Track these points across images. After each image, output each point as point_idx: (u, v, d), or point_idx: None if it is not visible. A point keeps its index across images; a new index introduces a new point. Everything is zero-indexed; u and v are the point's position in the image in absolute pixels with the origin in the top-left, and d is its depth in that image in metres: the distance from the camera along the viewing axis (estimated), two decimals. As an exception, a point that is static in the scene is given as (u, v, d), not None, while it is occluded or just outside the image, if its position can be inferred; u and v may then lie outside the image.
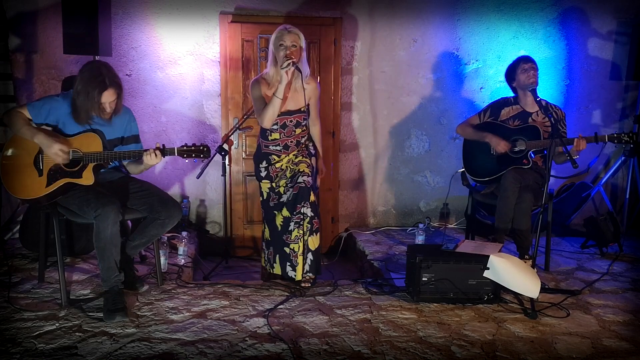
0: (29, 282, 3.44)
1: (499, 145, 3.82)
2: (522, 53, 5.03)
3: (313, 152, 3.67)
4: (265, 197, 3.64)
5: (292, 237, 3.48)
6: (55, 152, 3.01)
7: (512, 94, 4.08)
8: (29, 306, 3.08)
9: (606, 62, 5.17)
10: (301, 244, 3.48)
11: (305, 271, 3.51)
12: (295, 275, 3.50)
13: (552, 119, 3.72)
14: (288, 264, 3.51)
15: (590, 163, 5.21)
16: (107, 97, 3.07)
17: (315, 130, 3.71)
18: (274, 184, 3.59)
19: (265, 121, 3.43)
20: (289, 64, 3.28)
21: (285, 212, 3.51)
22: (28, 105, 3.11)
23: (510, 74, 4.00)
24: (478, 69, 5.06)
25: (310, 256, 3.50)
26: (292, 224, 3.48)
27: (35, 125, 3.09)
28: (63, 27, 4.06)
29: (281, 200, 3.54)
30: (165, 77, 4.74)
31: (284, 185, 3.56)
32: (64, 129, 3.13)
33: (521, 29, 5.02)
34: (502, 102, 4.03)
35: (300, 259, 3.49)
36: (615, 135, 3.71)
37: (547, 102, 3.98)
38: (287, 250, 3.50)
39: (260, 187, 3.67)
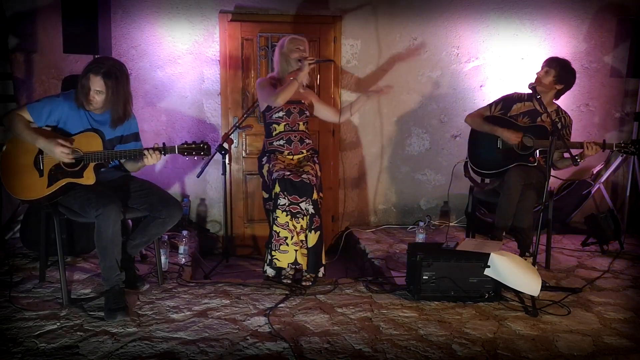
0: (30, 281, 3.44)
1: (511, 138, 3.80)
2: (523, 51, 5.03)
3: (317, 161, 3.77)
4: (267, 183, 3.65)
5: (281, 221, 3.43)
6: (59, 154, 2.99)
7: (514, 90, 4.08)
8: (30, 306, 3.08)
9: (606, 59, 5.17)
10: (295, 235, 3.45)
11: (299, 264, 3.50)
12: (277, 261, 3.46)
13: (554, 120, 3.70)
14: (268, 249, 3.49)
15: (594, 170, 5.23)
16: (95, 84, 3.01)
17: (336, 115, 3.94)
18: (270, 165, 3.62)
19: (279, 99, 3.56)
20: (313, 59, 3.67)
21: (277, 189, 3.46)
22: (28, 107, 3.09)
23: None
24: (478, 67, 5.06)
25: (307, 253, 3.50)
26: (281, 200, 3.41)
27: (37, 126, 3.08)
28: (63, 26, 4.05)
29: (272, 177, 3.52)
30: (165, 76, 4.73)
31: (279, 167, 3.56)
32: (64, 129, 3.12)
33: (521, 27, 5.01)
34: (516, 97, 3.99)
35: (290, 248, 3.45)
36: (622, 144, 3.73)
37: (558, 106, 3.97)
38: (276, 229, 3.45)
39: (263, 178, 3.70)
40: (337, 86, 4.92)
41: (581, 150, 3.68)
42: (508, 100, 3.99)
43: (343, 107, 3.92)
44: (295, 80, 3.60)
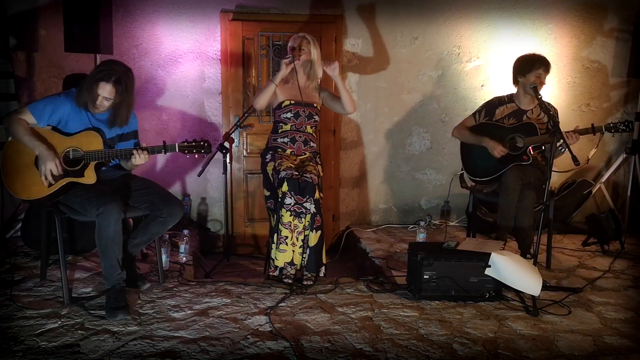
0: (31, 280, 3.44)
1: (496, 150, 3.81)
2: (524, 51, 4.99)
3: (320, 162, 3.78)
4: (272, 182, 3.64)
5: (285, 220, 3.45)
6: (47, 170, 2.98)
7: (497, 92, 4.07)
8: (31, 304, 3.09)
9: (608, 59, 5.17)
10: (295, 236, 3.46)
11: (294, 265, 3.50)
12: (275, 259, 3.49)
13: (550, 113, 3.69)
14: (273, 244, 3.51)
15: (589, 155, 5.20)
16: (104, 92, 3.03)
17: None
18: (276, 163, 3.61)
19: (256, 102, 3.65)
20: (288, 58, 3.60)
21: (285, 188, 3.46)
22: (30, 107, 3.08)
23: (522, 70, 3.87)
24: (479, 66, 5.06)
25: (308, 252, 3.50)
26: (287, 199, 3.42)
27: (38, 127, 3.07)
28: (64, 25, 4.05)
29: (280, 175, 3.52)
30: (166, 75, 4.74)
31: (286, 166, 3.56)
32: (64, 128, 3.12)
33: (523, 26, 5.01)
34: (496, 102, 4.00)
35: (289, 248, 3.47)
36: (611, 125, 3.73)
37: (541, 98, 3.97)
38: (280, 227, 3.47)
39: (266, 175, 3.68)
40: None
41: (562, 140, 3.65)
42: (490, 106, 4.00)
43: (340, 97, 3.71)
44: (272, 83, 3.61)
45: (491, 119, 3.97)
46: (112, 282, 3.04)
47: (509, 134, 3.86)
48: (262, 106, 3.67)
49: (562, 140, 3.53)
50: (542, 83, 3.83)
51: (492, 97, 4.09)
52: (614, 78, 5.19)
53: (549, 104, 3.94)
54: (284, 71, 3.60)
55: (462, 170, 4.11)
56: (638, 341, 2.85)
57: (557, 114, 3.94)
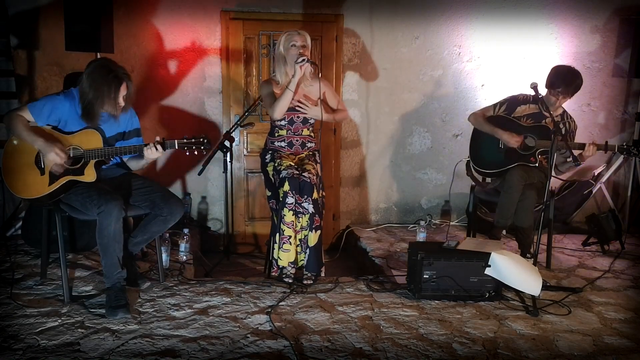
0: (31, 278, 3.44)
1: (511, 141, 3.78)
2: (525, 50, 5.01)
3: (319, 160, 3.75)
4: (273, 182, 3.63)
5: (287, 219, 3.46)
6: (53, 157, 3.00)
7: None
8: (31, 302, 3.09)
9: (609, 59, 5.16)
10: (295, 235, 3.47)
11: (297, 265, 3.52)
12: (279, 259, 3.50)
13: (554, 121, 3.68)
14: (275, 244, 3.52)
15: (596, 172, 5.22)
16: (123, 91, 3.08)
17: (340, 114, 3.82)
18: (276, 163, 3.60)
19: (276, 112, 3.57)
20: (303, 60, 3.48)
21: (286, 187, 3.45)
22: (29, 106, 3.08)
23: (547, 82, 3.83)
24: (480, 66, 5.05)
25: (308, 252, 3.51)
26: (289, 199, 3.42)
27: (38, 126, 3.08)
28: (65, 24, 4.06)
29: (281, 175, 3.51)
30: (167, 74, 4.74)
31: (286, 165, 3.55)
32: (64, 128, 3.12)
33: (524, 26, 5.01)
34: (521, 100, 3.94)
35: (292, 247, 3.48)
36: (624, 146, 3.72)
37: (564, 110, 3.95)
38: (282, 227, 3.48)
39: (267, 176, 3.68)
40: (339, 84, 4.92)
41: (580, 151, 3.67)
42: (513, 102, 3.95)
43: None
44: (289, 90, 3.52)
45: (510, 114, 3.93)
46: (113, 281, 3.04)
47: (522, 132, 3.84)
48: (280, 116, 3.59)
49: (570, 156, 3.52)
50: (559, 105, 3.82)
51: (517, 93, 4.00)
52: (615, 78, 5.19)
53: (570, 117, 3.93)
54: (300, 74, 3.52)
55: (468, 157, 4.08)
56: (638, 341, 2.86)
57: (576, 129, 3.93)
